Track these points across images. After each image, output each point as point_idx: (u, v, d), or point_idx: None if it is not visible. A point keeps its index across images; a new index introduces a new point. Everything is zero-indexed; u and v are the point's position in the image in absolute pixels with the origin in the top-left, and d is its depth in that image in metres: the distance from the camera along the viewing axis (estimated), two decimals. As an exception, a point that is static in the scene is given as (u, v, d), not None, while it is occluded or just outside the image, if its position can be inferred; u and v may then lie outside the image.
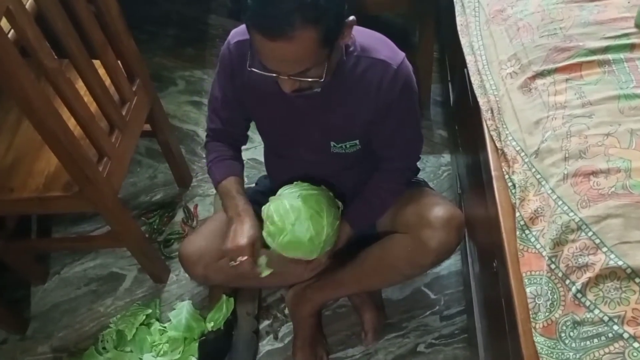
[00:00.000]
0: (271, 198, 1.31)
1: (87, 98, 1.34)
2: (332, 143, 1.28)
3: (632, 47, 1.01)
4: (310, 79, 1.04)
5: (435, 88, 2.10)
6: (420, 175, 1.57)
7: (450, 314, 1.59)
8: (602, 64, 1.00)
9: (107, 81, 1.43)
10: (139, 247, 1.62)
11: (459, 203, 1.54)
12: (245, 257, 1.23)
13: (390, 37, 1.20)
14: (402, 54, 1.18)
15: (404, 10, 2.23)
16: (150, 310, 1.66)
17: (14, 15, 1.06)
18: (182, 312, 1.65)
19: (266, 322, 1.64)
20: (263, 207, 1.30)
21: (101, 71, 1.40)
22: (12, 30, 1.10)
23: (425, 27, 1.76)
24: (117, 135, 1.46)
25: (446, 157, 1.95)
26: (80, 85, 1.33)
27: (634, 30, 1.03)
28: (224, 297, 1.60)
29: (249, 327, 1.60)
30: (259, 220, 1.29)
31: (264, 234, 1.28)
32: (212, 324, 1.58)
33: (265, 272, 1.28)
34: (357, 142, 1.28)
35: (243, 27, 1.22)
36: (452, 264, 1.65)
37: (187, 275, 1.71)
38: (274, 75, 1.04)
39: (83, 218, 1.91)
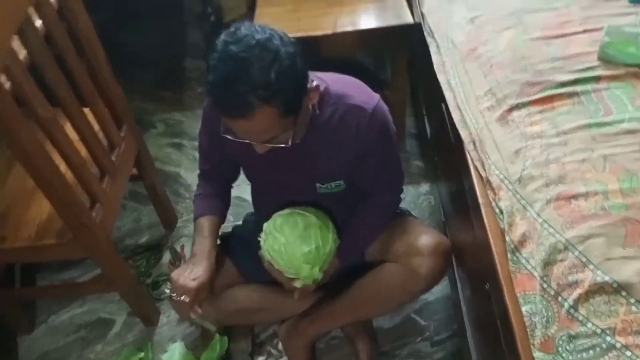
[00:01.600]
0: (276, 214, 1.35)
1: (78, 144, 1.37)
2: (318, 185, 1.32)
3: (597, 79, 1.10)
4: (279, 145, 1.09)
5: (409, 121, 2.19)
6: (401, 205, 1.63)
7: (441, 339, 1.63)
8: (572, 95, 1.09)
9: (96, 127, 1.46)
10: (130, 290, 1.62)
11: (443, 230, 1.60)
12: (187, 300, 1.26)
13: (361, 75, 1.26)
14: (376, 97, 1.22)
15: (378, 51, 2.33)
16: (142, 354, 1.64)
17: (11, 70, 1.09)
18: (174, 353, 1.64)
19: (260, 359, 1.65)
20: (265, 224, 1.34)
21: (90, 117, 1.43)
22: (8, 82, 1.13)
23: (398, 64, 1.84)
24: (108, 181, 1.48)
25: (424, 187, 2.03)
26: (70, 131, 1.35)
27: (598, 63, 1.12)
28: (217, 336, 1.60)
29: (244, 365, 1.61)
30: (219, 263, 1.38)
31: (265, 246, 1.31)
32: (205, 363, 1.58)
33: (202, 322, 1.39)
34: (341, 182, 1.32)
35: None
36: (439, 289, 1.70)
37: (177, 317, 1.73)
38: (246, 141, 1.10)
39: (69, 264, 1.90)
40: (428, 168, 2.05)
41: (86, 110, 1.42)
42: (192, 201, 1.46)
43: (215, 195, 1.43)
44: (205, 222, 1.38)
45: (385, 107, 1.23)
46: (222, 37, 1.00)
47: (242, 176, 1.47)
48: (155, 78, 2.56)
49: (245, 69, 0.96)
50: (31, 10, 1.16)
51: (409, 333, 1.65)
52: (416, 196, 2.00)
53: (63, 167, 1.29)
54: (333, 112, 1.20)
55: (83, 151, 1.39)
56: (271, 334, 1.69)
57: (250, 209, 1.65)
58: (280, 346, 1.65)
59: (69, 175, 1.31)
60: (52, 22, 1.24)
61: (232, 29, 1.01)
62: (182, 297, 1.26)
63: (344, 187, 1.33)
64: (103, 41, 1.46)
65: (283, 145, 1.09)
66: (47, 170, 1.20)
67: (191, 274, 1.28)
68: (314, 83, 1.09)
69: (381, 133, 1.22)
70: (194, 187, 2.08)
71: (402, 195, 1.45)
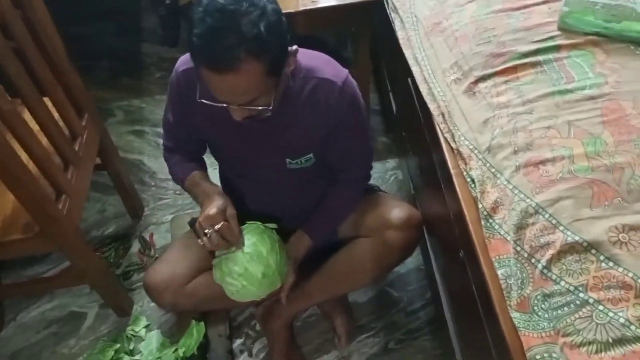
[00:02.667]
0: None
1: (39, 135, 1.33)
2: (288, 160, 1.32)
3: (558, 48, 1.13)
4: (259, 107, 1.08)
5: (373, 98, 2.21)
6: (370, 182, 1.65)
7: (415, 309, 1.68)
8: (535, 65, 1.12)
9: (57, 117, 1.42)
10: (102, 282, 1.60)
11: (413, 202, 1.63)
12: (220, 224, 1.22)
13: (324, 53, 1.25)
14: (345, 71, 1.23)
15: (340, 28, 2.33)
16: (118, 345, 1.63)
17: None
18: (151, 341, 1.64)
19: (239, 341, 1.66)
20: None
21: (50, 107, 1.39)
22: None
23: (361, 41, 1.85)
24: (72, 171, 1.44)
25: (391, 163, 2.06)
26: (30, 122, 1.31)
27: (558, 33, 1.16)
28: (194, 322, 1.60)
29: (223, 349, 1.61)
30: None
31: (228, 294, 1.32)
32: (184, 349, 1.57)
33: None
34: (311, 155, 1.32)
35: (189, 55, 1.26)
36: (410, 261, 1.72)
37: (151, 306, 1.71)
38: (224, 105, 1.07)
39: (33, 260, 1.85)
40: (394, 144, 2.08)
41: (45, 99, 1.37)
42: (171, 178, 1.44)
43: (192, 161, 1.41)
44: (194, 178, 1.36)
45: (354, 81, 1.23)
46: None
47: (210, 161, 1.46)
48: (113, 66, 2.50)
49: (234, 21, 0.94)
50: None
51: (383, 305, 1.69)
52: (383, 172, 2.03)
53: (24, 158, 1.25)
54: (303, 85, 1.20)
55: (44, 141, 1.35)
56: (248, 316, 1.70)
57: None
58: (257, 327, 1.67)
59: (31, 167, 1.27)
60: (8, 12, 1.19)
61: None
62: (221, 224, 1.21)
63: (313, 161, 1.33)
64: (58, 30, 1.41)
65: (261, 108, 1.07)
66: (10, 163, 1.17)
67: (205, 210, 1.24)
68: (294, 47, 1.09)
69: (351, 106, 1.23)
70: (159, 175, 2.09)
71: (371, 169, 1.47)
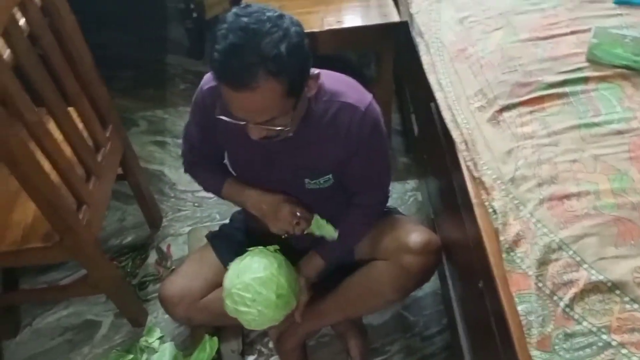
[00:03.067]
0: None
1: (62, 145, 1.35)
2: (306, 180, 1.32)
3: (586, 80, 1.12)
4: (276, 128, 1.08)
5: (394, 118, 2.20)
6: (388, 202, 1.64)
7: (430, 334, 1.66)
8: (561, 96, 1.11)
9: (81, 127, 1.44)
10: (117, 292, 1.61)
11: (432, 226, 1.62)
12: (298, 212, 1.33)
13: (347, 72, 1.26)
14: (369, 96, 1.23)
15: (364, 49, 2.33)
16: (132, 356, 1.63)
17: (-4, 70, 1.06)
18: (165, 354, 1.64)
19: (251, 358, 1.65)
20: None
21: (74, 117, 1.41)
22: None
23: (384, 62, 1.85)
24: (94, 182, 1.46)
25: (411, 183, 2.04)
26: (55, 131, 1.33)
27: (586, 64, 1.14)
28: (207, 336, 1.60)
29: (235, 365, 1.61)
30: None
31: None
32: (195, 364, 1.57)
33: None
34: (330, 176, 1.32)
35: None
36: (427, 285, 1.70)
37: (166, 317, 1.71)
38: (242, 123, 1.08)
39: (51, 266, 1.87)
40: (414, 164, 2.07)
41: (70, 109, 1.39)
42: (199, 181, 1.47)
43: (218, 169, 1.44)
44: (233, 182, 1.40)
45: (377, 107, 1.23)
46: (233, 10, 0.99)
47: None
48: (137, 75, 2.53)
49: (255, 40, 0.95)
50: (15, 10, 1.13)
51: (399, 329, 1.67)
52: (403, 192, 2.02)
53: (47, 168, 1.26)
54: (326, 108, 1.20)
55: (68, 152, 1.37)
56: (261, 333, 1.69)
57: (237, 207, 1.64)
58: (270, 344, 1.66)
59: (54, 177, 1.28)
60: (37, 21, 1.21)
61: (242, 4, 1.00)
62: (298, 213, 1.34)
63: (332, 182, 1.33)
64: (84, 39, 1.44)
65: (279, 129, 1.08)
66: (33, 172, 1.18)
67: (274, 211, 1.34)
68: (316, 71, 1.09)
69: (372, 132, 1.22)
70: (179, 186, 2.10)
71: (388, 195, 1.46)
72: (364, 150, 1.25)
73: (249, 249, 1.36)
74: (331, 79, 1.21)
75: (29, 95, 1.19)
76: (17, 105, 1.13)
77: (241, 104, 1.03)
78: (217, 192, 1.42)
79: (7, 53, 1.14)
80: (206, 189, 1.47)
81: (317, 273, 1.42)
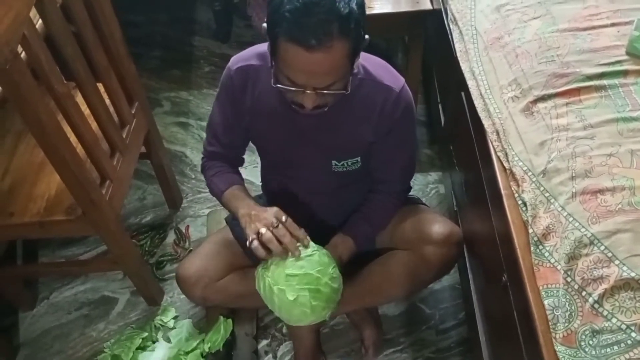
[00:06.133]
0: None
1: (90, 120, 1.35)
2: (334, 162, 1.30)
3: (625, 73, 1.09)
4: (335, 92, 1.05)
5: (419, 109, 2.17)
6: (411, 193, 1.61)
7: (446, 328, 1.64)
8: (599, 89, 1.08)
9: (108, 103, 1.44)
10: (136, 269, 1.61)
11: (455, 219, 1.59)
12: (284, 218, 1.18)
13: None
14: (402, 79, 1.22)
15: (393, 36, 2.30)
16: (146, 334, 1.64)
17: (28, 40, 1.06)
18: (182, 330, 1.65)
19: (265, 342, 1.65)
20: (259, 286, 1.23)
21: (102, 93, 1.41)
22: (24, 54, 1.10)
23: (414, 50, 1.82)
24: (118, 158, 1.46)
25: (433, 175, 2.02)
26: (82, 106, 1.33)
27: (626, 57, 1.11)
28: (222, 318, 1.60)
29: (248, 348, 1.60)
30: None
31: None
32: (209, 344, 1.57)
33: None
34: (358, 159, 1.30)
35: (243, 53, 1.25)
36: (445, 278, 1.69)
37: (181, 297, 1.72)
38: (300, 90, 1.04)
39: (71, 241, 1.88)
40: (438, 156, 2.04)
41: (98, 85, 1.39)
42: (207, 186, 1.41)
43: (230, 172, 1.39)
44: (236, 190, 1.33)
45: (409, 91, 1.22)
46: None
47: (249, 158, 1.44)
48: (164, 55, 2.53)
49: None
50: (49, -19, 1.13)
51: (414, 321, 1.66)
52: (424, 184, 1.99)
53: (73, 141, 1.26)
54: (360, 86, 1.18)
55: (94, 126, 1.37)
56: (275, 318, 1.68)
57: (257, 192, 1.64)
58: (284, 329, 1.65)
59: (79, 150, 1.28)
60: (69, -7, 1.21)
61: None
62: (283, 219, 1.18)
63: (359, 165, 1.31)
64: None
65: (338, 93, 1.05)
66: (60, 144, 1.18)
67: (266, 212, 1.21)
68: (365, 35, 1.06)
69: (404, 114, 1.22)
70: (200, 167, 2.09)
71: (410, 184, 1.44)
72: (396, 132, 1.24)
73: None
74: (366, 59, 1.20)
75: (59, 68, 1.19)
76: (47, 76, 1.13)
77: (311, 66, 0.99)
78: (221, 192, 1.35)
79: (39, 23, 1.14)
80: (211, 189, 1.39)
81: (349, 256, 1.35)
